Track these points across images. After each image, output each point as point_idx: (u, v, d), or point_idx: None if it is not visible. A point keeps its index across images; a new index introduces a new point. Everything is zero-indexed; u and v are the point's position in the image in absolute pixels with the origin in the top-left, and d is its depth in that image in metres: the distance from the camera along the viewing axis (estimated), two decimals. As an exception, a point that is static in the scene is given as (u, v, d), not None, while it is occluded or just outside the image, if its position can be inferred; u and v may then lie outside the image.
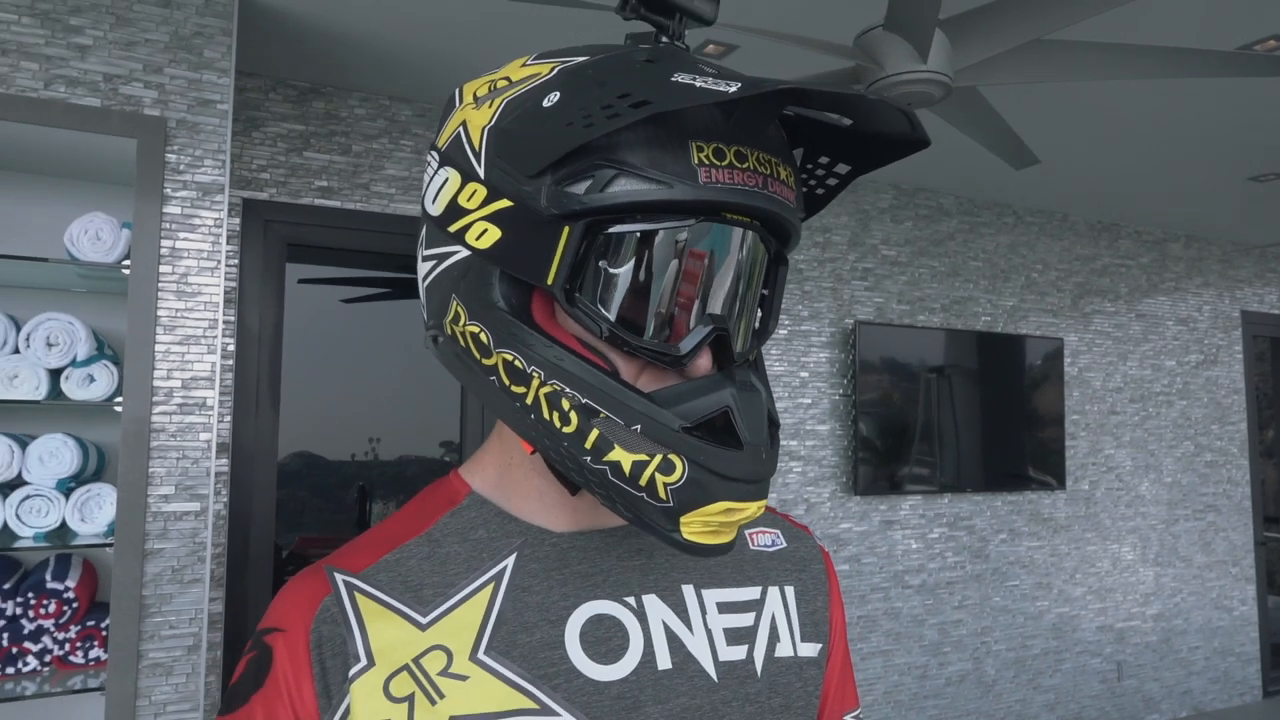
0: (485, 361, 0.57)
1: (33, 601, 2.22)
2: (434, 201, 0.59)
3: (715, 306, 0.56)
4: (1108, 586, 4.70)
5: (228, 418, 2.80)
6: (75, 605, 2.25)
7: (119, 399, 2.22)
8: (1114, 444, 4.81)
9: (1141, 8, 2.39)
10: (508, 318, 0.55)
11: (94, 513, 2.26)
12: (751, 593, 0.68)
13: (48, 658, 2.22)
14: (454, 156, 0.58)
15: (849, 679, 0.75)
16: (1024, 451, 4.48)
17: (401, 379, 5.13)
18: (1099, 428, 4.77)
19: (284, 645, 0.57)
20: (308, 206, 2.98)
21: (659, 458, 0.52)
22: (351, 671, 0.56)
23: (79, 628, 2.25)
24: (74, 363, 2.25)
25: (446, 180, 0.58)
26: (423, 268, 0.62)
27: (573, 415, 0.53)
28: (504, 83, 0.58)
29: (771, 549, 0.72)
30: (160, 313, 2.22)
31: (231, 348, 2.80)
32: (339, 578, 0.60)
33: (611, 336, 0.54)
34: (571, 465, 0.55)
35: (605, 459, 0.53)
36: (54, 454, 2.25)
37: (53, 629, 2.23)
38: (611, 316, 0.54)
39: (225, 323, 2.76)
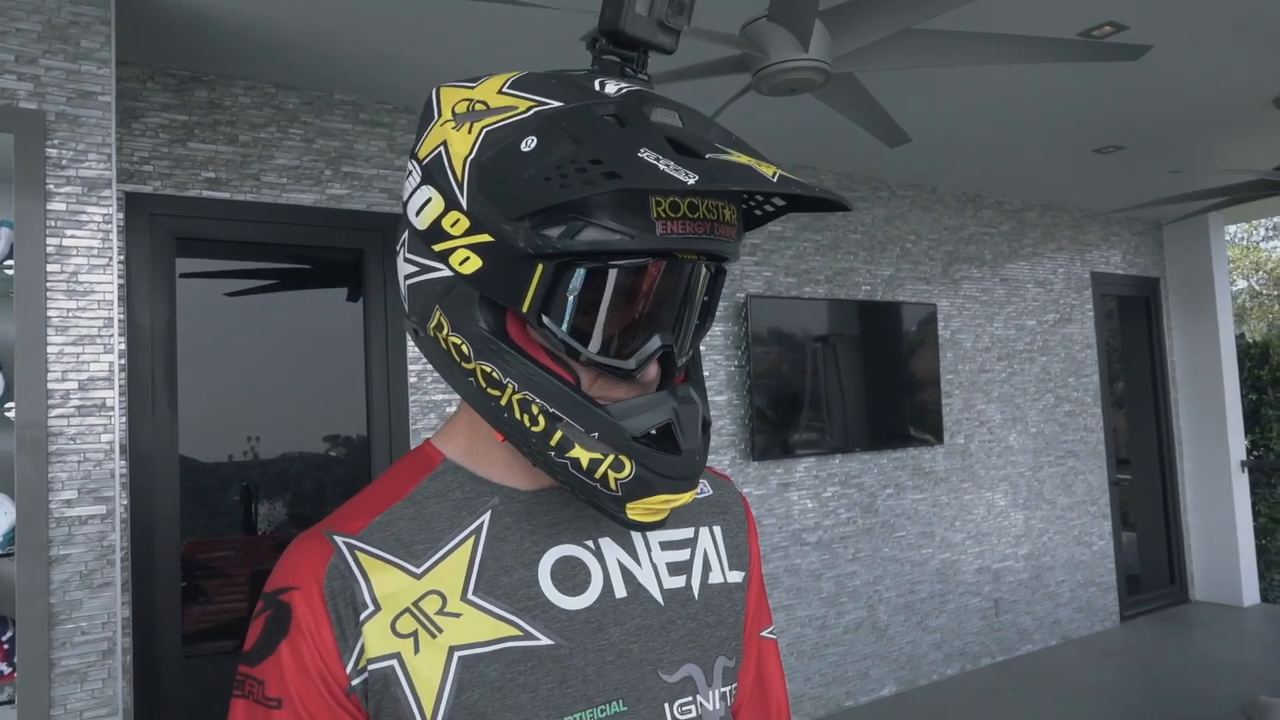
0: (465, 365, 0.67)
1: (-74, 619, 2.13)
2: (417, 215, 0.67)
3: (663, 329, 0.66)
4: (984, 531, 5.08)
5: (123, 419, 2.72)
6: (-28, 620, 2.17)
7: (8, 405, 2.15)
8: (984, 400, 5.19)
9: (992, 2, 2.60)
10: (487, 335, 0.65)
11: (-13, 523, 2.18)
12: (686, 533, 0.81)
13: (-54, 675, 2.14)
14: (436, 177, 0.65)
15: (764, 601, 0.89)
16: (905, 411, 4.78)
17: (280, 374, 4.97)
18: (971, 385, 5.13)
19: (301, 599, 0.66)
20: (196, 199, 2.91)
21: (612, 458, 0.64)
22: (362, 616, 0.66)
23: (-22, 643, 2.17)
24: (-44, 369, 2.16)
25: (430, 200, 0.66)
26: (405, 268, 0.70)
27: (541, 419, 0.64)
28: (482, 106, 0.66)
29: (701, 496, 0.85)
30: (51, 313, 2.16)
31: (122, 347, 2.72)
32: (339, 540, 0.69)
33: (572, 351, 0.64)
34: (538, 458, 0.66)
35: (567, 455, 0.64)
36: (-61, 465, 2.16)
37: (-51, 646, 2.15)
38: (575, 340, 0.64)
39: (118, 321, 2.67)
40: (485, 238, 0.62)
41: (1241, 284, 15.40)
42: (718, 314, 4.09)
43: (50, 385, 2.15)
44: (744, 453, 4.18)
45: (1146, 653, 5.18)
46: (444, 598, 0.68)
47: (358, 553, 0.68)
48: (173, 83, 2.91)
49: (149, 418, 2.81)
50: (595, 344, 0.64)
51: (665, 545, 0.79)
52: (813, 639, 4.30)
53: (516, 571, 0.70)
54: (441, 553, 0.70)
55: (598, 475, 0.64)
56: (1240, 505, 6.05)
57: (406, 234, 0.70)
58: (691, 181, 0.55)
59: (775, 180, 0.57)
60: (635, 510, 0.65)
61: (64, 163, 2.19)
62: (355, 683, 0.65)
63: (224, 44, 2.76)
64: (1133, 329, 6.43)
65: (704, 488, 0.87)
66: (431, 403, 3.37)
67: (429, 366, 3.32)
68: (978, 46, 2.18)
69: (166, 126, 2.89)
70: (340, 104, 3.22)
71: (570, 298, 0.62)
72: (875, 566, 4.58)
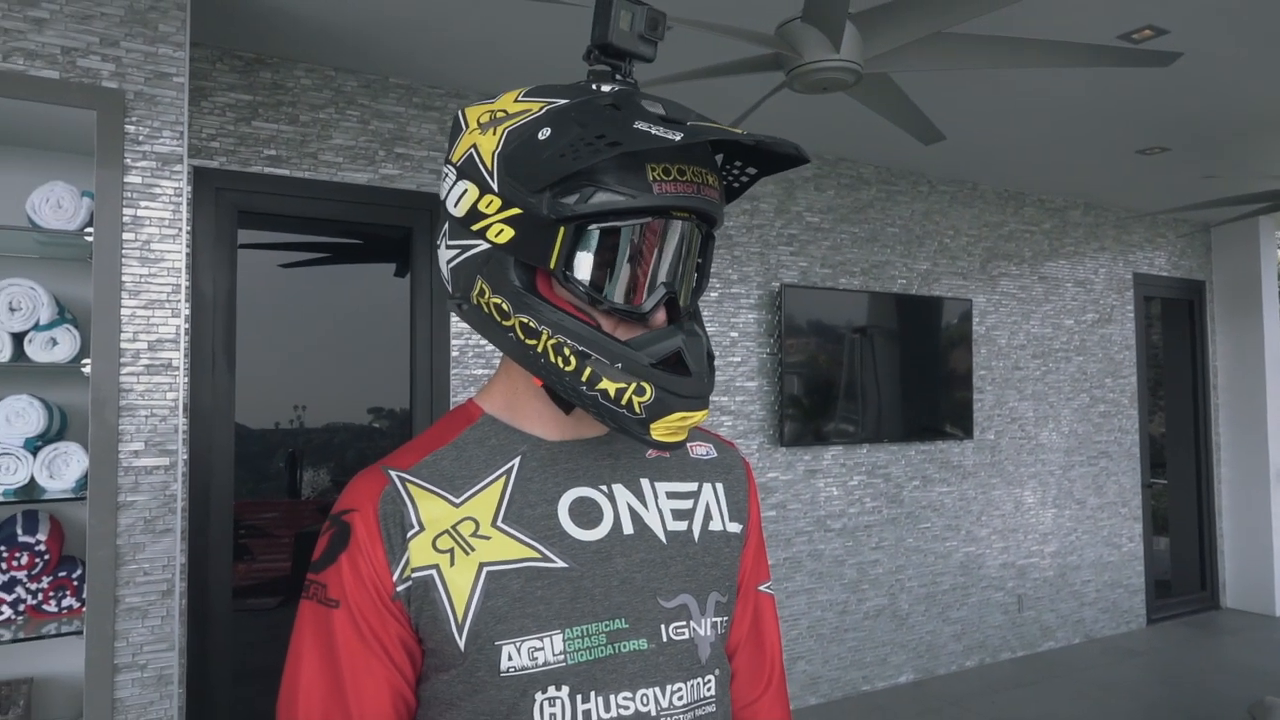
0: (505, 323, 0.79)
1: (5, 554, 2.32)
2: (456, 205, 0.81)
3: (665, 276, 0.79)
4: (1010, 527, 5.12)
5: (185, 380, 2.91)
6: (47, 558, 2.36)
7: (84, 361, 2.33)
8: (1017, 397, 5.21)
9: (1032, 4, 2.65)
10: (522, 292, 0.78)
11: (61, 470, 2.36)
12: (690, 486, 0.94)
13: (21, 607, 2.33)
14: (470, 172, 0.80)
15: (763, 558, 1.01)
16: (936, 404, 4.83)
17: (328, 346, 5.13)
18: (1004, 382, 5.15)
19: (359, 520, 0.81)
20: (257, 175, 3.08)
21: (634, 384, 0.76)
22: (409, 534, 0.80)
23: (51, 578, 2.36)
24: (36, 326, 2.34)
25: (466, 191, 0.80)
26: (446, 254, 0.85)
27: (572, 359, 0.76)
28: (502, 114, 0.80)
29: (707, 458, 0.98)
30: (125, 278, 2.33)
31: (187, 312, 2.90)
32: (393, 473, 0.83)
33: (593, 301, 0.77)
34: (572, 394, 0.78)
35: (597, 387, 0.76)
36: (20, 414, 2.34)
37: (25, 580, 2.34)
38: (595, 289, 0.77)
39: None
40: (515, 211, 0.76)
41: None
42: (751, 301, 4.21)
43: (123, 345, 2.32)
44: (772, 438, 4.28)
45: (1169, 655, 5.19)
46: (477, 523, 0.81)
47: (408, 483, 0.82)
48: (239, 64, 3.08)
49: (209, 380, 3.00)
50: (612, 291, 0.77)
51: (671, 495, 0.91)
52: (833, 623, 4.40)
53: (540, 506, 0.83)
54: (478, 487, 0.83)
55: (624, 402, 0.76)
56: (1277, 514, 5.99)
57: (446, 226, 0.84)
58: (678, 138, 0.69)
59: (742, 134, 0.73)
60: (659, 429, 0.77)
61: (140, 139, 2.36)
62: (400, 589, 0.78)
63: (287, 28, 2.92)
64: (1176, 332, 6.37)
65: (710, 450, 0.99)
66: (472, 377, 3.52)
67: (470, 342, 3.47)
68: (1008, 50, 2.25)
69: (233, 106, 3.06)
70: (395, 87, 3.37)
71: (588, 253, 0.76)
72: (898, 556, 4.66)
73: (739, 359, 4.22)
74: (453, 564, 0.79)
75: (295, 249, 4.64)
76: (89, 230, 2.32)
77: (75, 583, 2.37)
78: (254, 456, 5.20)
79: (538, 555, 0.81)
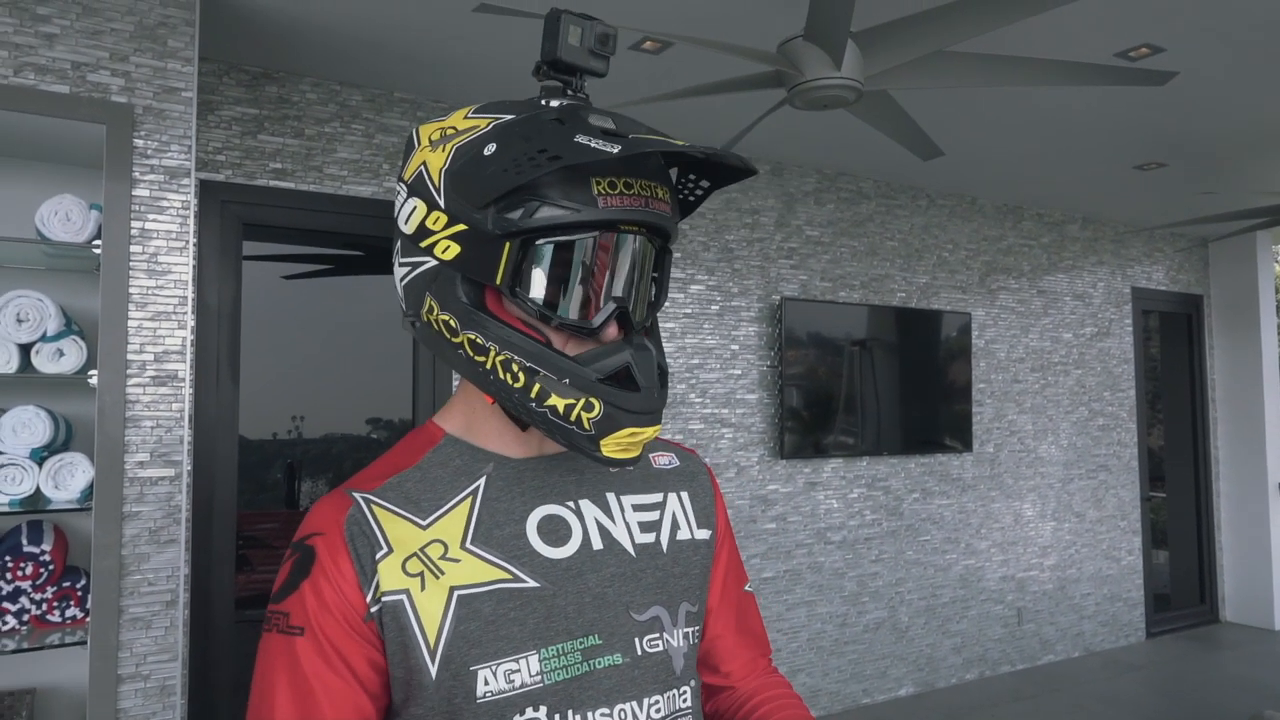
0: (454, 340, 0.79)
1: (9, 564, 2.33)
2: (406, 223, 0.81)
3: (617, 291, 0.78)
4: (1010, 540, 5.13)
5: (189, 391, 2.92)
6: (51, 568, 2.37)
7: (91, 372, 2.34)
8: (1016, 410, 5.23)
9: (1031, 22, 2.68)
10: (469, 309, 0.77)
11: (67, 480, 2.37)
12: (656, 497, 0.94)
13: (25, 617, 2.34)
14: (419, 189, 0.79)
15: (737, 561, 1.03)
16: (936, 417, 4.85)
17: (327, 357, 5.14)
18: (1003, 395, 5.17)
19: (324, 544, 0.78)
20: (263, 188, 3.10)
21: (583, 400, 0.75)
22: (378, 555, 0.78)
23: (55, 589, 2.37)
24: (44, 338, 2.36)
25: (415, 208, 0.79)
26: (399, 271, 0.84)
27: (520, 375, 0.76)
28: (452, 130, 0.79)
29: (669, 467, 0.99)
30: (132, 290, 2.35)
31: (192, 323, 2.92)
32: (357, 495, 0.81)
33: (543, 317, 0.77)
34: (521, 410, 0.77)
35: (545, 404, 0.76)
36: (26, 425, 2.36)
37: (30, 590, 2.35)
38: (542, 302, 0.76)
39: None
40: (461, 227, 0.76)
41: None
42: (752, 314, 4.23)
43: (129, 356, 2.34)
44: (773, 451, 4.29)
45: (1169, 669, 5.19)
46: (446, 545, 0.80)
47: (373, 505, 0.80)
48: (246, 78, 3.11)
49: (213, 391, 3.02)
50: (560, 307, 0.76)
51: (637, 507, 0.91)
52: (833, 635, 4.40)
53: (508, 526, 0.82)
54: (444, 509, 0.82)
55: (573, 418, 0.75)
56: (1276, 527, 6.00)
57: (398, 243, 0.84)
58: (615, 150, 0.69)
59: (683, 145, 0.72)
60: (609, 446, 0.76)
61: (149, 153, 2.38)
62: (373, 610, 0.76)
63: (294, 43, 2.95)
64: (1174, 345, 6.39)
65: (671, 459, 0.99)
66: (474, 388, 3.53)
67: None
68: (1006, 69, 2.28)
69: (239, 119, 3.09)
70: (399, 102, 3.40)
71: (536, 269, 0.75)
72: (898, 569, 4.66)
73: (739, 371, 4.24)
74: (423, 588, 0.77)
75: (298, 260, 4.67)
76: (97, 243, 2.34)
77: (79, 593, 2.38)
78: (252, 467, 5.21)
79: (509, 576, 0.80)
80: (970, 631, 4.91)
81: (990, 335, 5.14)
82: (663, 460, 0.98)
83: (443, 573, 0.78)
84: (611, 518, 0.88)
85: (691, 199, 0.89)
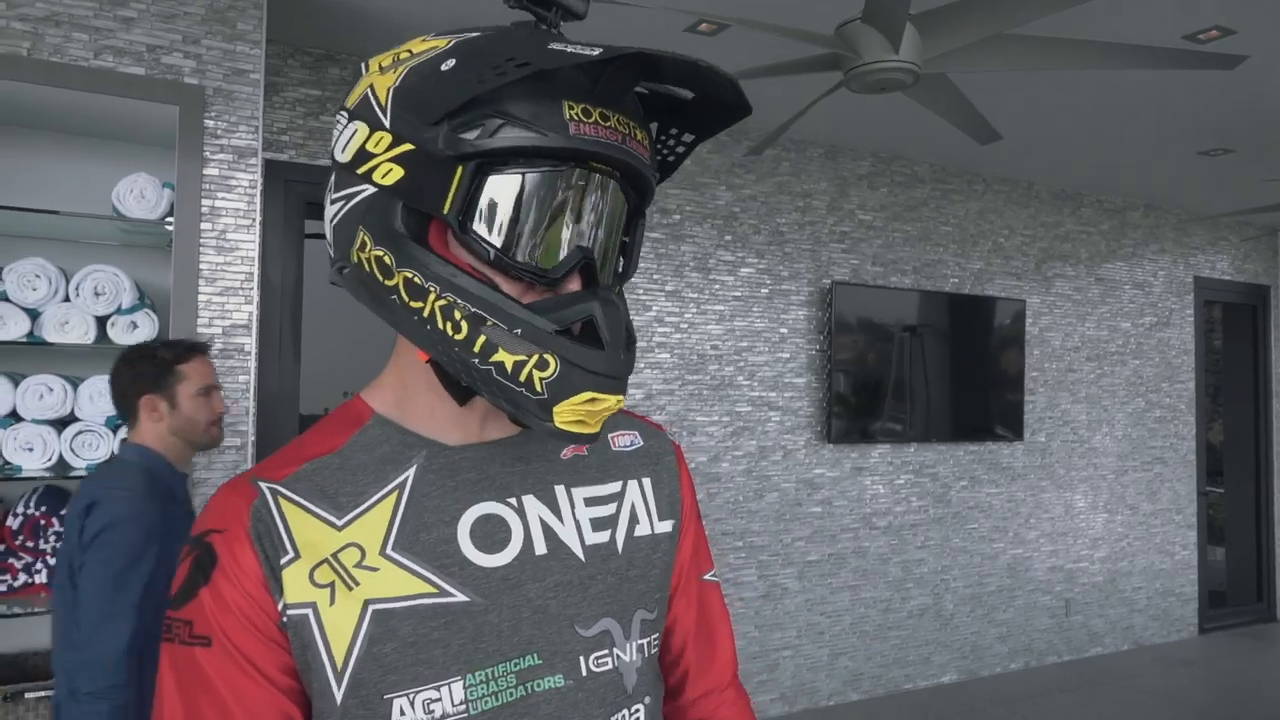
0: (388, 282, 0.66)
1: (86, 526, 2.45)
2: (343, 150, 0.69)
3: (582, 239, 0.68)
4: (1060, 530, 5.06)
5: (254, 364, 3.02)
6: (124, 530, 2.48)
7: (163, 344, 2.44)
8: (1070, 399, 5.15)
9: (1095, 3, 2.63)
10: (408, 241, 0.65)
11: (139, 447, 2.48)
12: (613, 487, 0.82)
13: (100, 577, 2.46)
14: (362, 112, 0.68)
15: (703, 546, 0.91)
16: (986, 405, 4.80)
17: (377, 333, 5.25)
18: (1057, 384, 5.09)
19: (224, 542, 0.67)
20: (325, 167, 3.18)
21: (535, 356, 0.63)
22: (283, 561, 0.66)
23: (128, 550, 2.49)
24: (119, 310, 2.47)
25: (355, 131, 0.68)
26: (330, 210, 0.71)
27: (463, 324, 0.64)
28: (406, 54, 0.69)
29: (630, 449, 0.86)
30: (202, 266, 2.44)
31: (257, 299, 3.02)
32: (263, 485, 0.69)
33: (497, 260, 0.65)
34: (461, 369, 0.66)
35: (491, 360, 0.64)
36: (103, 393, 2.47)
37: (105, 551, 2.47)
38: (497, 243, 0.65)
39: (250, 275, 2.97)
40: (406, 147, 0.64)
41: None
42: (802, 298, 4.22)
43: (199, 329, 2.44)
44: (820, 435, 4.29)
45: (1222, 666, 5.09)
46: (363, 551, 0.68)
47: (280, 498, 0.69)
48: (309, 60, 3.19)
49: (275, 365, 3.12)
50: (516, 247, 0.65)
51: (590, 501, 0.79)
52: (876, 620, 4.40)
53: (436, 529, 0.71)
54: (364, 506, 0.70)
55: (522, 378, 0.64)
56: (1340, 526, 5.83)
57: (332, 178, 0.72)
58: (596, 53, 0.59)
59: (672, 53, 0.62)
60: (563, 413, 0.65)
61: (219, 133, 2.46)
62: (285, 619, 0.66)
63: (356, 27, 3.01)
64: (1237, 337, 6.22)
65: (635, 439, 0.87)
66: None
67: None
68: (1069, 52, 2.24)
69: (303, 101, 3.17)
70: (456, 83, 3.45)
71: (490, 200, 0.65)
72: (944, 556, 4.64)
73: (788, 355, 4.24)
74: (332, 602, 0.66)
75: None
76: (169, 220, 2.43)
77: (150, 555, 2.49)
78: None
79: (433, 590, 0.69)
80: (1016, 621, 4.87)
81: (1045, 323, 5.06)
82: (624, 440, 0.86)
83: (357, 583, 0.67)
84: (559, 515, 0.76)
85: (671, 158, 0.79)
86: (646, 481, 0.85)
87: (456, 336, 0.65)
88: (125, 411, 1.91)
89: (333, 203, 0.71)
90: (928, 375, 4.58)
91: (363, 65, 0.73)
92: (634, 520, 0.82)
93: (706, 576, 0.91)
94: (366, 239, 0.67)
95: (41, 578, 2.37)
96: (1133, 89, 3.50)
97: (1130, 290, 5.44)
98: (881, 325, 4.43)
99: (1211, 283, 5.85)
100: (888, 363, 4.43)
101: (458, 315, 0.64)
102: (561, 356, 0.64)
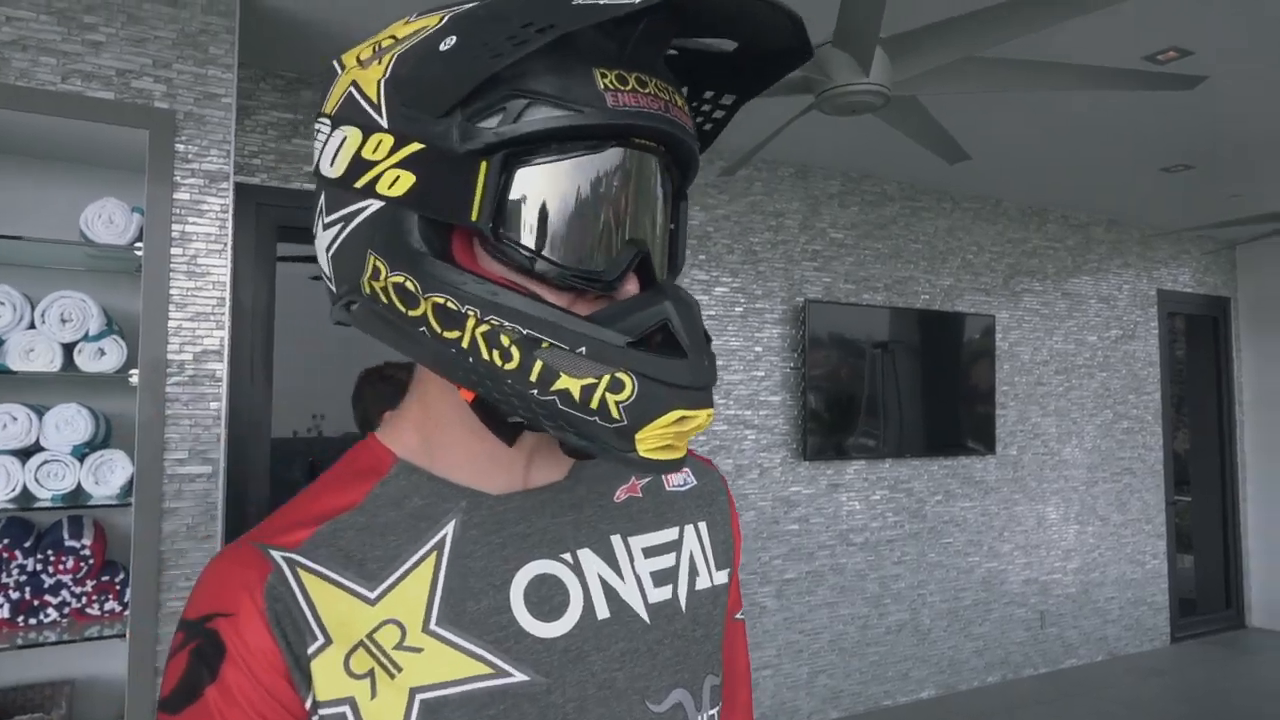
0: (412, 313, 0.56)
1: (52, 558, 2.39)
2: (332, 163, 0.58)
3: (635, 231, 0.57)
4: (1033, 543, 5.12)
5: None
6: (91, 562, 2.43)
7: (131, 371, 2.40)
8: (1040, 413, 5.21)
9: (1058, 26, 2.68)
10: (433, 261, 0.55)
11: (107, 476, 2.43)
12: (671, 534, 0.71)
13: (66, 610, 2.40)
14: (349, 115, 0.57)
15: (737, 586, 0.81)
16: (958, 420, 4.85)
17: (348, 357, 5.18)
18: (1027, 398, 5.16)
19: (235, 630, 0.55)
20: (297, 191, 3.16)
21: (607, 378, 0.52)
22: (310, 650, 0.55)
23: (95, 582, 2.43)
24: (86, 337, 2.42)
25: (345, 139, 0.57)
26: (325, 236, 0.61)
27: (514, 350, 0.53)
28: (389, 40, 0.59)
29: (684, 488, 0.76)
30: (172, 291, 2.41)
31: (229, 324, 2.98)
32: (276, 555, 0.58)
33: (541, 268, 0.55)
34: (519, 403, 0.54)
35: (553, 389, 0.53)
36: (69, 422, 2.42)
37: (70, 583, 2.41)
38: (539, 248, 0.55)
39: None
40: (415, 147, 0.54)
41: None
42: (775, 316, 4.25)
43: (169, 356, 2.40)
44: (795, 452, 4.31)
45: (1194, 674, 5.15)
46: (403, 629, 0.58)
47: (300, 570, 0.57)
48: (281, 83, 3.17)
49: (247, 390, 3.08)
50: (562, 251, 0.55)
51: (649, 552, 0.69)
52: (854, 637, 4.41)
53: (486, 596, 0.60)
54: (400, 572, 0.59)
55: (594, 404, 0.53)
56: (1304, 533, 5.95)
57: (322, 200, 0.61)
58: (638, 1, 0.49)
59: None
60: (648, 440, 0.54)
61: (190, 157, 2.44)
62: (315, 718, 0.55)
63: (329, 49, 3.00)
64: (1200, 348, 6.35)
65: (688, 476, 0.77)
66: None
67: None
68: (1034, 74, 2.29)
69: (275, 124, 3.15)
70: (429, 105, 3.45)
71: (524, 197, 0.55)
72: (920, 571, 4.67)
73: (762, 373, 4.26)
74: (374, 695, 0.55)
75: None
76: (139, 245, 2.40)
77: (118, 587, 2.44)
78: (274, 465, 5.28)
79: (489, 670, 0.58)
80: (992, 635, 4.90)
81: (1014, 338, 5.13)
82: (676, 479, 0.76)
83: (400, 669, 0.56)
84: (619, 571, 0.66)
85: (708, 125, 0.69)
86: (703, 526, 0.75)
87: (507, 366, 0.53)
88: (368, 430, 1.93)
89: (326, 227, 0.60)
90: (900, 391, 4.62)
91: (335, 63, 0.63)
92: (694, 572, 0.71)
93: (737, 616, 0.81)
94: (379, 264, 0.56)
95: (3, 613, 2.31)
96: (1096, 108, 3.58)
97: (1096, 304, 5.54)
98: (854, 342, 4.46)
99: (1174, 295, 5.97)
100: (861, 379, 4.47)
101: (505, 340, 0.53)
102: (638, 373, 0.53)
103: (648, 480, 0.73)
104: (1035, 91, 3.36)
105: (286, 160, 3.16)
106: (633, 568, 0.67)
